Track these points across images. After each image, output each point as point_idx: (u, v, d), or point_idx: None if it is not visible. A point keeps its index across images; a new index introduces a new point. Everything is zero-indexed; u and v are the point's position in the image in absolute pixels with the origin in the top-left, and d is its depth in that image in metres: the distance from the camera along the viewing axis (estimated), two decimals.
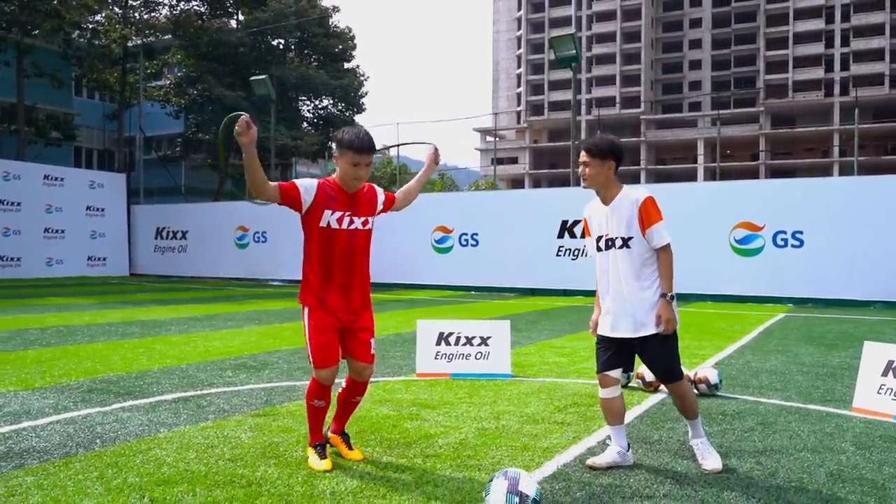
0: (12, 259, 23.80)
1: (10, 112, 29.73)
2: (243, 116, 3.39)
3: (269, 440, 4.25)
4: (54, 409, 5.03)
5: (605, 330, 3.88)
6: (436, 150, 4.21)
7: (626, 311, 3.76)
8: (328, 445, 3.95)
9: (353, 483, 3.48)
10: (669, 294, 3.72)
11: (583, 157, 3.83)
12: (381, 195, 3.98)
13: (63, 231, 25.30)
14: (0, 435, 4.30)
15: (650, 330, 3.72)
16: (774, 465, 3.90)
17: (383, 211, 3.99)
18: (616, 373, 3.88)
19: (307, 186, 3.70)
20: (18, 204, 23.99)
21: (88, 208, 26.25)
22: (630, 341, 3.80)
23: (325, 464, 3.71)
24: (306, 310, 3.77)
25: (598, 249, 3.90)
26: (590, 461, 3.84)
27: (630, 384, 6.05)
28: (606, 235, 3.84)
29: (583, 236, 4.09)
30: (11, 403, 5.18)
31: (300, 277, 3.87)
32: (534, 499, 2.93)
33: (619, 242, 3.78)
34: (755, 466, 3.88)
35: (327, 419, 4.04)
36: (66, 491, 3.30)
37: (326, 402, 3.82)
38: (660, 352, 3.77)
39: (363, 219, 3.81)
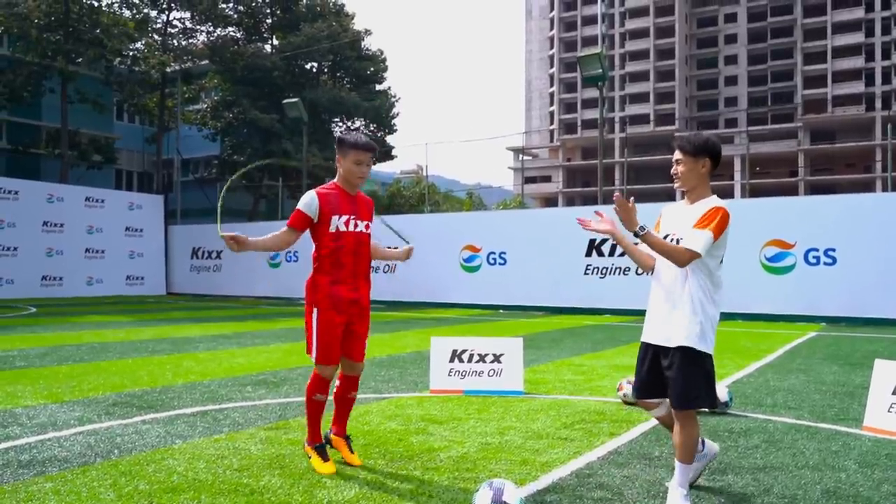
0: (55, 278, 24.60)
1: (54, 137, 30.89)
2: (226, 240, 3.75)
3: (277, 452, 4.40)
4: (79, 421, 5.26)
5: (645, 334, 3.63)
6: (410, 251, 4.41)
7: (669, 319, 3.48)
8: (330, 447, 4.18)
9: (350, 493, 3.61)
10: (642, 227, 3.41)
11: (676, 154, 3.59)
12: (373, 211, 4.29)
13: (103, 251, 26.07)
14: (25, 445, 4.54)
15: (680, 342, 3.42)
16: (771, 482, 3.92)
17: None
18: (654, 399, 3.68)
19: (309, 203, 4.02)
20: (61, 225, 24.84)
21: (127, 229, 27.03)
22: (661, 354, 3.52)
23: (330, 467, 3.95)
24: (316, 310, 4.01)
25: None
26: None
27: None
28: (674, 234, 3.52)
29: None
30: (40, 415, 5.44)
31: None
32: None
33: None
34: (751, 483, 3.91)
35: (325, 424, 4.26)
36: (80, 496, 3.49)
37: (326, 397, 4.10)
38: (684, 370, 3.41)
39: (366, 222, 4.13)
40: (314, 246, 4.09)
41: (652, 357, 3.57)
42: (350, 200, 4.09)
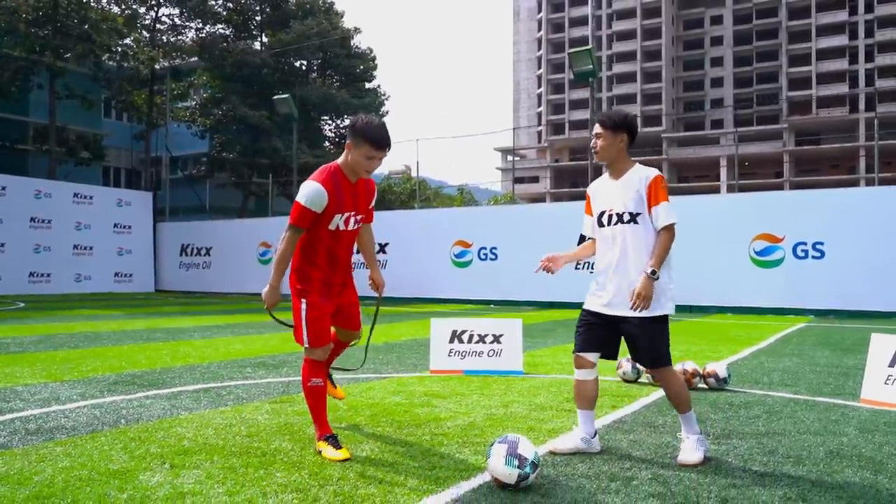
0: (43, 275, 24.38)
1: (42, 133, 30.59)
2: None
3: (284, 421, 4.42)
4: (82, 396, 5.25)
5: (595, 305, 3.78)
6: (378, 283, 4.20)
7: (625, 289, 3.62)
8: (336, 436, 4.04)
9: (362, 454, 3.64)
10: (653, 271, 3.55)
11: (596, 128, 3.75)
12: (374, 196, 3.99)
13: (91, 248, 25.87)
14: (30, 416, 4.53)
15: (647, 313, 3.57)
16: (775, 445, 3.98)
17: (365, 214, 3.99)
18: (594, 356, 3.77)
19: (319, 200, 3.64)
20: (49, 221, 24.62)
21: (116, 226, 26.83)
22: (620, 323, 3.67)
23: (343, 453, 3.59)
24: (305, 301, 3.80)
25: (601, 225, 3.80)
26: (552, 446, 3.76)
27: (640, 379, 6.14)
28: (611, 210, 3.73)
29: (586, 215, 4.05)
30: (41, 392, 5.41)
31: None
32: (532, 461, 3.06)
33: (626, 217, 3.66)
34: (755, 445, 3.97)
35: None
36: (92, 458, 3.49)
37: (324, 381, 3.81)
38: (648, 335, 3.59)
39: (361, 216, 3.88)
40: (308, 234, 3.78)
41: (609, 326, 3.73)
42: (352, 192, 3.77)
